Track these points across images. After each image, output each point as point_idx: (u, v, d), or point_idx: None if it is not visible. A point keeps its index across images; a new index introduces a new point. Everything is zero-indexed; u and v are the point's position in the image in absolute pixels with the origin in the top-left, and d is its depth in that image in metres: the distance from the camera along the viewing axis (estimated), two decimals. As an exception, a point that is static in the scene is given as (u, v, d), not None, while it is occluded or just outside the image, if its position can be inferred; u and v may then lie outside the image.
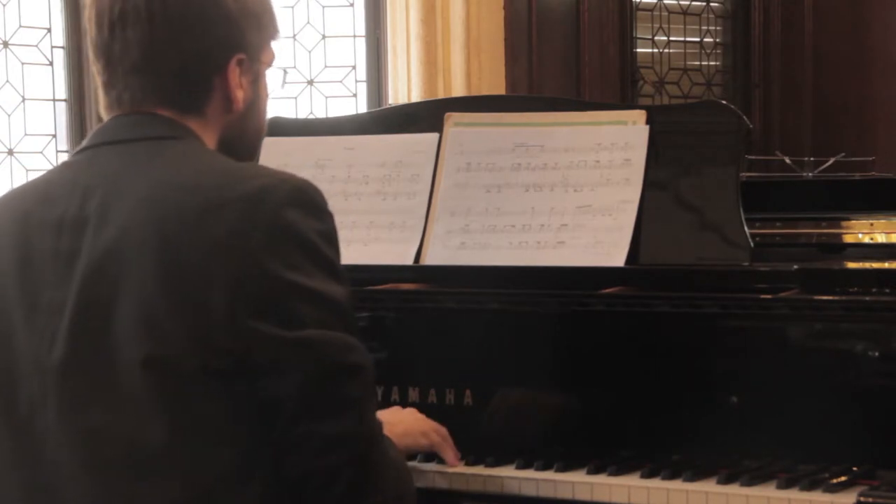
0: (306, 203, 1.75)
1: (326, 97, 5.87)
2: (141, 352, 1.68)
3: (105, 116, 1.88)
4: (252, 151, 1.98)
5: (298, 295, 1.71)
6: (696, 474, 2.16)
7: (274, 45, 1.96)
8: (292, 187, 1.75)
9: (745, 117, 2.44)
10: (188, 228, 1.70)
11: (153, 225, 1.71)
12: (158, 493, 1.69)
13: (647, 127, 2.46)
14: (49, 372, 1.74)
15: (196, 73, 1.85)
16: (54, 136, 5.14)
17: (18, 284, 1.78)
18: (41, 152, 5.13)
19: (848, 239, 2.58)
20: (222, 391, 1.69)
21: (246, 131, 1.93)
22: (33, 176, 4.98)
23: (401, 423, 2.22)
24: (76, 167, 1.85)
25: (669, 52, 6.86)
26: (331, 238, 1.77)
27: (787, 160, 5.15)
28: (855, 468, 2.13)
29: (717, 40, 7.02)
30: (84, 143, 1.88)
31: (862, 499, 2.02)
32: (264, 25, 1.92)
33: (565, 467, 2.24)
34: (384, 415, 2.17)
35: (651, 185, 2.42)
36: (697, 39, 6.96)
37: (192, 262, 1.69)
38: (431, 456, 2.30)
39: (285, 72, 2.07)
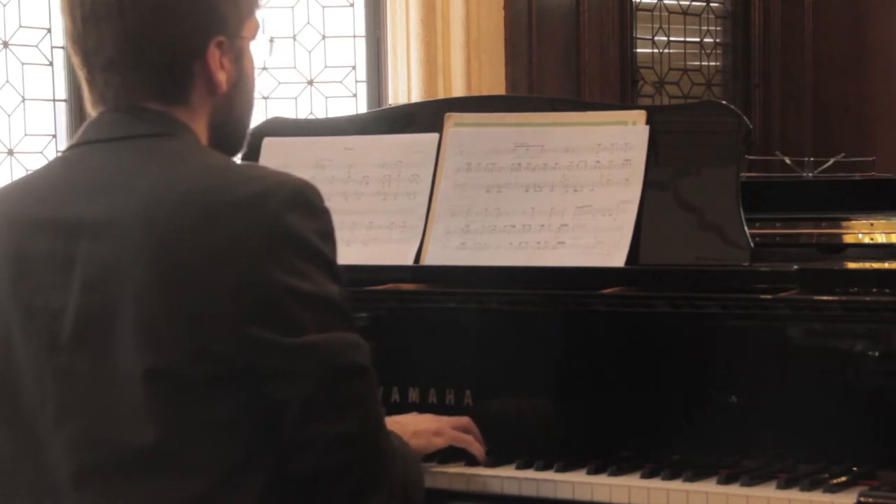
0: (304, 204, 1.74)
1: (326, 97, 5.87)
2: (142, 360, 1.67)
3: (92, 112, 1.85)
4: (243, 128, 1.94)
5: (299, 300, 1.71)
6: (696, 474, 2.16)
7: (258, 13, 1.91)
8: (290, 190, 1.74)
9: (745, 117, 2.44)
10: (186, 234, 1.69)
11: (151, 231, 1.69)
12: (155, 497, 1.69)
13: (648, 127, 2.46)
14: (48, 376, 1.73)
15: (174, 63, 1.81)
16: (54, 136, 5.14)
17: (12, 285, 1.76)
18: (41, 152, 5.12)
19: (848, 239, 2.58)
20: (223, 396, 1.69)
21: (233, 110, 1.90)
22: (33, 176, 5.02)
23: (413, 424, 2.22)
24: (71, 165, 1.82)
25: (669, 53, 6.86)
26: (328, 236, 1.77)
27: (787, 160, 5.15)
28: (855, 468, 2.13)
29: (717, 40, 7.02)
30: (76, 137, 1.84)
31: (862, 499, 2.02)
32: (242, 0, 1.87)
33: (565, 467, 2.24)
34: (399, 419, 2.18)
35: (651, 185, 2.42)
36: (697, 39, 6.95)
37: (192, 270, 1.68)
38: (432, 456, 2.30)
39: (272, 40, 2.04)
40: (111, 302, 1.69)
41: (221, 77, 1.84)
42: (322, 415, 1.72)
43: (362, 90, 5.90)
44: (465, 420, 2.31)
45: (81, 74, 1.84)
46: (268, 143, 2.69)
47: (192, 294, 1.67)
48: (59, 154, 1.87)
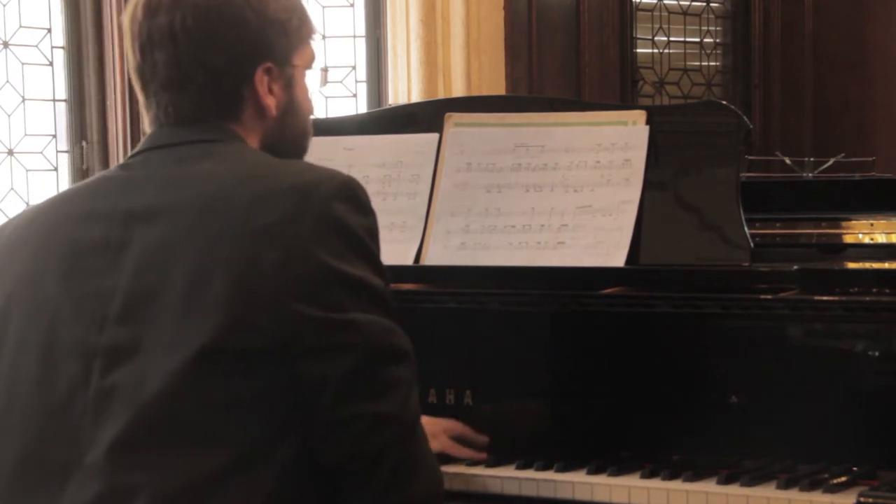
0: (353, 199, 1.81)
1: (326, 97, 5.88)
2: (188, 337, 1.72)
3: (149, 131, 1.94)
4: (298, 152, 2.01)
5: (344, 282, 1.76)
6: (696, 474, 2.16)
7: (312, 44, 1.99)
8: (340, 182, 1.81)
9: (745, 117, 2.44)
10: (237, 217, 1.75)
11: (203, 215, 1.77)
12: (180, 466, 1.72)
13: (647, 127, 2.46)
14: (96, 355, 1.77)
15: (223, 86, 1.90)
16: (54, 136, 5.14)
17: (62, 276, 1.82)
18: (41, 152, 5.13)
19: (848, 239, 2.58)
20: (261, 371, 1.73)
21: (285, 134, 1.97)
22: (33, 176, 5.04)
23: None
24: (128, 167, 1.91)
25: (669, 53, 6.87)
26: (374, 234, 1.83)
27: (787, 160, 5.15)
28: (855, 468, 2.13)
29: (718, 41, 7.03)
30: (136, 148, 1.94)
31: (862, 499, 2.02)
32: (293, 29, 1.95)
33: (565, 467, 2.24)
34: None
35: (651, 185, 2.42)
36: (697, 40, 6.96)
37: (240, 248, 1.73)
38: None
39: (324, 71, 2.11)
40: (162, 281, 1.76)
41: (270, 101, 1.93)
42: (361, 394, 1.75)
43: (362, 90, 5.90)
44: (459, 427, 2.33)
45: (140, 99, 1.94)
46: (268, 143, 2.69)
47: (238, 270, 1.73)
48: (122, 161, 1.97)
